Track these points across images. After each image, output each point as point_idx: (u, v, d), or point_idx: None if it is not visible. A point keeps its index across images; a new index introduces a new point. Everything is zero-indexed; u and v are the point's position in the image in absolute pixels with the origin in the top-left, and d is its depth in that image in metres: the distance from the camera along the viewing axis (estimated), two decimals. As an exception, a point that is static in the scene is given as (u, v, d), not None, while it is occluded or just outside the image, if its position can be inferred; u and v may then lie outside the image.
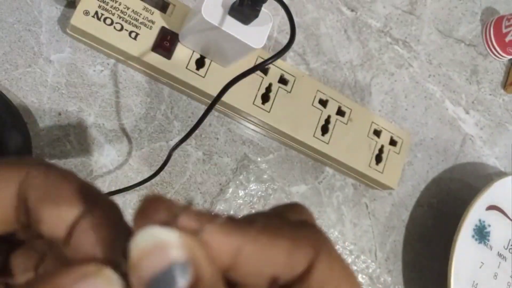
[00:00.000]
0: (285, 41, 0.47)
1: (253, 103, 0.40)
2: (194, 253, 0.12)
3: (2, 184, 0.14)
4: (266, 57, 0.41)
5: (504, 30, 0.57)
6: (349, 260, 0.47)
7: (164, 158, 0.40)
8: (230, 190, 0.42)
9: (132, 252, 0.12)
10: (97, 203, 0.14)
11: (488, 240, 0.50)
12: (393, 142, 0.46)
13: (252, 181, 0.43)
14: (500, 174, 0.55)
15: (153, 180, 0.39)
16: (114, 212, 0.14)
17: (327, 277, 0.13)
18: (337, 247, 0.46)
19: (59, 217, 0.13)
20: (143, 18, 0.37)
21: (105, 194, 0.14)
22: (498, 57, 0.59)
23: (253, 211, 0.43)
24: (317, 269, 0.13)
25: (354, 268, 0.47)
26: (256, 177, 0.44)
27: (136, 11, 0.37)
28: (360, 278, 0.47)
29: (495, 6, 0.61)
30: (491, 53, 0.59)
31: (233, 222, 0.13)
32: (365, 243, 0.48)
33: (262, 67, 0.32)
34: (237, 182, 0.43)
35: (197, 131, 0.42)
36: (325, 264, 0.13)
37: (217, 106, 0.41)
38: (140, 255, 0.12)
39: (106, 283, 0.12)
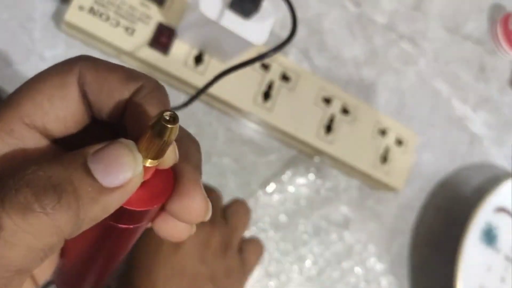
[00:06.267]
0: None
1: (254, 102, 0.39)
2: None
3: (67, 87, 0.15)
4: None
5: (512, 27, 0.55)
6: (354, 262, 0.45)
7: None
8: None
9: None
10: (141, 79, 0.16)
11: (496, 243, 0.49)
12: (399, 142, 0.45)
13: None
14: (508, 175, 0.53)
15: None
16: (160, 88, 0.16)
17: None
18: (340, 249, 0.45)
19: (114, 103, 0.15)
20: (139, 13, 0.36)
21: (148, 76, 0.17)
22: (506, 55, 0.57)
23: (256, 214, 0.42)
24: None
25: (359, 270, 0.46)
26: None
27: (132, 6, 0.36)
28: (366, 281, 0.46)
29: (502, 2, 0.59)
30: (498, 51, 0.57)
31: None
32: (370, 246, 0.46)
33: (260, 59, 0.31)
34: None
35: (196, 131, 0.40)
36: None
37: (217, 104, 0.40)
38: None
39: (124, 148, 0.14)
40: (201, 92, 0.32)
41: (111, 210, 0.14)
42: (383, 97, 0.49)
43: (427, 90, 0.52)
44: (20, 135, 0.15)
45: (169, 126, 0.14)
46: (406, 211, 0.49)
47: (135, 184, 0.14)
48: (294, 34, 0.29)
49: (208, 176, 0.40)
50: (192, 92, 0.39)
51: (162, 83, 0.44)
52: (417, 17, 0.53)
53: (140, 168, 0.14)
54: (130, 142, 0.14)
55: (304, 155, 0.44)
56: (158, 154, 0.15)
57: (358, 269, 0.46)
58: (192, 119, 0.40)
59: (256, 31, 0.33)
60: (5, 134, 0.14)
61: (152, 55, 0.36)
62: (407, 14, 0.53)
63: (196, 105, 0.41)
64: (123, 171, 0.14)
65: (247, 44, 0.34)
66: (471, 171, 0.53)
